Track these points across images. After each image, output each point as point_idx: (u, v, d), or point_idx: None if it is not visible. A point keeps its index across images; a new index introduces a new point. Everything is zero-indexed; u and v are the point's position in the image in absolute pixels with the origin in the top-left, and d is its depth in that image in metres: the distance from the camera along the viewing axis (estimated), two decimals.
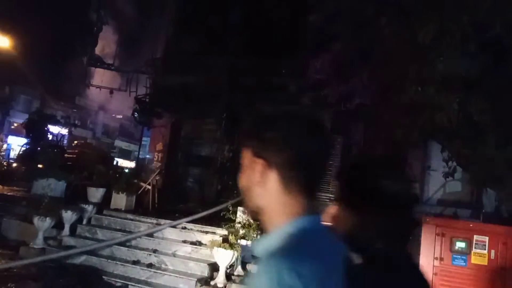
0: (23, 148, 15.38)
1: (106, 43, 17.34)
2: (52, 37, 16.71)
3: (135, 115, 14.03)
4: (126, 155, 29.92)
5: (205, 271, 7.50)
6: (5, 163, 17.53)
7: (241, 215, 8.13)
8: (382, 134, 7.48)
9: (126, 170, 20.00)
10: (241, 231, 7.84)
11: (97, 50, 16.69)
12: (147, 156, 26.08)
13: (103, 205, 9.45)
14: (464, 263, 6.03)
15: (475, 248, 6.01)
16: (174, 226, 8.52)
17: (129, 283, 7.32)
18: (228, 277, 7.37)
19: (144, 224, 8.68)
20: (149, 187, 10.31)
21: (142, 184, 10.42)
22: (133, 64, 17.04)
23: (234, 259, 7.33)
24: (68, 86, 22.67)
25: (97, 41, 16.42)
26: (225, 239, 7.78)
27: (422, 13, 6.92)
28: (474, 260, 6.00)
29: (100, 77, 21.12)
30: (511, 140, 6.80)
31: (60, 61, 17.06)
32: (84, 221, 8.92)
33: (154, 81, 14.42)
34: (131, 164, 24.38)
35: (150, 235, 8.31)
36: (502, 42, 6.48)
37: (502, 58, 6.55)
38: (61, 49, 16.91)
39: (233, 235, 7.62)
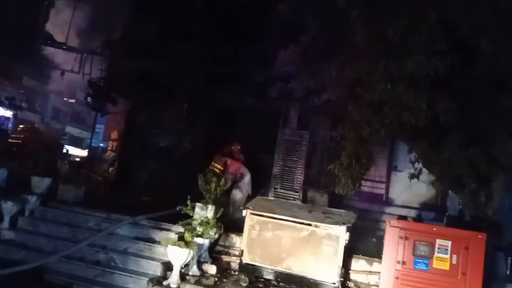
0: None
1: (58, 20, 16.27)
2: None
3: (88, 100, 13.22)
4: (77, 142, 28.59)
5: (157, 270, 7.07)
6: None
7: (198, 212, 7.72)
8: (349, 131, 7.25)
9: (77, 159, 19.11)
10: (198, 229, 7.45)
11: (48, 28, 15.59)
12: (101, 144, 25.03)
13: (49, 196, 8.73)
14: (426, 267, 5.94)
15: (437, 252, 5.92)
16: (133, 223, 7.98)
17: (74, 281, 6.77)
18: (183, 277, 6.97)
19: (93, 218, 8.11)
20: (100, 179, 9.69)
21: (92, 175, 9.78)
22: (87, 44, 16.09)
23: (189, 258, 6.93)
24: (15, 64, 21.25)
25: (48, 17, 15.33)
26: (181, 237, 7.37)
27: (392, 7, 6.74)
28: (436, 264, 5.91)
29: (51, 56, 19.93)
30: (475, 141, 6.76)
31: (6, 37, 15.86)
32: (27, 213, 8.23)
33: (110, 64, 13.65)
34: (83, 153, 23.27)
35: (99, 230, 7.72)
36: (469, 43, 6.40)
37: (470, 59, 6.47)
38: (8, 23, 15.69)
39: (189, 233, 7.21)
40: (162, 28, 13.05)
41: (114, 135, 17.33)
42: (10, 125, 21.22)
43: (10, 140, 14.98)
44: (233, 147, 10.72)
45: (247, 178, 10.31)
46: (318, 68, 8.32)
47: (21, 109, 20.98)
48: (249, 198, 9.59)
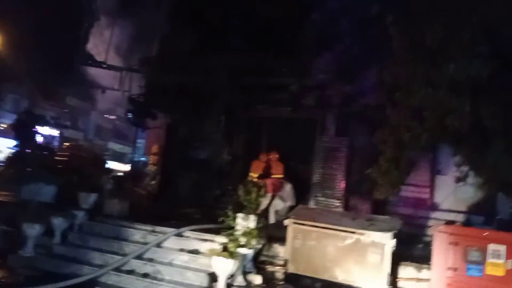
0: (12, 151, 14.87)
1: (98, 41, 16.87)
2: (41, 34, 16.21)
3: (129, 116, 13.59)
4: (119, 157, 29.38)
5: (203, 281, 7.12)
6: None
7: (241, 222, 7.76)
8: (389, 136, 7.15)
9: (120, 174, 19.60)
10: (241, 239, 7.48)
11: (88, 48, 16.18)
12: (142, 158, 25.62)
13: (95, 211, 9.00)
14: (479, 274, 5.72)
15: (490, 257, 5.70)
16: (178, 235, 8.11)
17: None
18: (228, 287, 6.99)
19: (138, 231, 8.28)
20: (144, 192, 9.90)
21: (136, 189, 10.01)
22: (127, 62, 16.58)
23: (234, 268, 6.96)
24: (58, 85, 22.14)
25: (88, 38, 15.92)
26: (225, 248, 7.41)
27: (428, 14, 6.65)
28: (490, 270, 5.70)
29: (92, 75, 20.62)
30: None
31: (50, 59, 16.57)
32: (76, 228, 8.49)
33: (149, 80, 13.99)
34: (126, 167, 23.88)
35: (145, 242, 7.89)
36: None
37: None
38: (50, 46, 16.42)
39: (233, 243, 7.25)
40: (197, 41, 13.31)
41: (155, 149, 17.68)
42: (56, 143, 22.03)
43: (56, 157, 15.54)
44: (270, 156, 10.74)
45: (288, 187, 10.31)
46: (355, 75, 8.28)
47: (66, 127, 21.76)
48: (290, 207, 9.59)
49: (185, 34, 13.65)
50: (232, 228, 7.73)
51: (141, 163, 24.56)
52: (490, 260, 5.64)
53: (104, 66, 16.39)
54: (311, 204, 10.89)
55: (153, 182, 13.36)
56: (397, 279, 7.38)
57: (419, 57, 6.44)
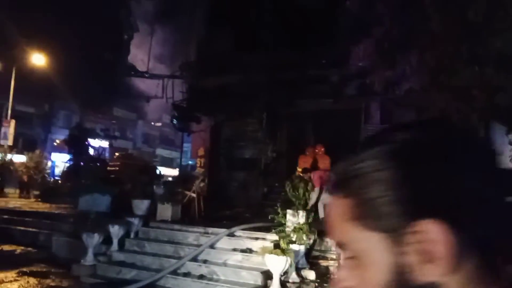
0: (67, 165, 15.56)
1: (139, 51, 17.36)
2: (84, 50, 16.90)
3: (174, 122, 13.88)
4: (168, 163, 30.11)
5: (258, 280, 7.16)
6: (51, 181, 17.86)
7: (290, 219, 7.75)
8: None
9: (170, 179, 20.07)
10: (292, 236, 7.47)
11: (130, 58, 16.70)
12: (190, 162, 26.12)
13: (149, 217, 9.27)
14: None
15: None
16: (230, 235, 8.22)
17: None
18: (283, 284, 7.00)
19: (191, 234, 8.45)
20: (194, 195, 10.09)
21: (186, 192, 10.21)
22: (167, 69, 16.97)
23: (287, 265, 6.94)
24: (105, 97, 23.00)
25: (129, 50, 16.42)
26: (276, 245, 7.42)
27: None
28: None
29: (136, 85, 21.25)
30: None
31: (94, 73, 17.25)
32: (132, 235, 8.78)
33: (190, 85, 14.24)
34: (175, 172, 24.45)
35: (198, 244, 8.04)
36: None
37: None
38: (94, 60, 17.09)
39: (284, 240, 7.25)
40: (233, 41, 13.40)
41: (201, 152, 17.97)
42: (107, 154, 22.83)
43: (108, 168, 16.10)
44: (316, 150, 10.64)
45: None
46: (396, 59, 8.06)
47: (115, 138, 22.55)
48: None
49: (221, 36, 13.78)
50: (282, 225, 7.75)
51: (188, 167, 25.10)
52: None
53: (147, 75, 16.84)
54: None
55: (202, 184, 13.58)
56: None
57: (461, 34, 6.16)
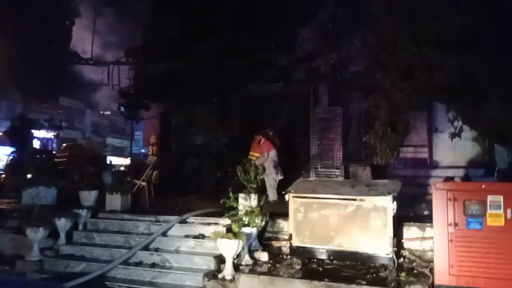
0: (10, 158, 14.85)
1: (81, 37, 16.70)
2: (24, 37, 16.05)
3: (121, 109, 13.55)
4: (120, 152, 29.44)
5: (211, 265, 7.18)
6: None
7: (242, 202, 7.78)
8: (382, 100, 7.10)
9: (122, 168, 19.64)
10: (244, 219, 7.51)
11: (73, 45, 16.04)
12: (142, 150, 25.63)
13: (98, 208, 9.04)
14: (480, 226, 5.72)
15: (490, 209, 5.70)
16: (182, 222, 8.13)
17: (133, 285, 6.99)
18: (236, 267, 7.03)
19: (142, 223, 8.32)
20: (144, 184, 9.92)
21: (136, 181, 10.02)
22: (113, 56, 16.45)
23: (239, 248, 6.97)
24: (50, 87, 22.02)
25: (71, 36, 15.75)
26: (229, 229, 7.45)
27: None
28: (490, 221, 5.69)
29: (81, 73, 20.49)
30: None
31: (36, 61, 16.45)
32: (80, 227, 8.54)
33: (137, 71, 13.90)
34: (127, 161, 23.93)
35: (150, 233, 7.93)
36: None
37: (501, 12, 6.15)
38: (35, 48, 16.27)
39: (236, 224, 7.28)
40: (181, 27, 13.18)
41: (153, 139, 17.68)
42: (54, 145, 21.99)
43: (55, 159, 15.53)
44: (266, 132, 10.69)
45: (271, 154, 10.22)
46: (340, 41, 8.18)
47: (60, 128, 21.70)
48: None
49: (169, 21, 13.52)
50: (234, 208, 7.77)
51: (141, 155, 24.64)
52: (490, 211, 5.64)
53: (91, 62, 16.26)
54: (312, 176, 10.93)
55: (155, 172, 13.39)
56: (402, 241, 7.45)
57: (401, 16, 6.31)
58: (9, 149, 15.48)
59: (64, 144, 18.81)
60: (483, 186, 5.85)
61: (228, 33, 12.25)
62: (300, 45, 9.51)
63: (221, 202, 7.80)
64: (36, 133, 17.33)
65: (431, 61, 6.11)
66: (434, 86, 6.49)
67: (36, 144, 17.03)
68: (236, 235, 6.98)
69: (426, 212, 7.85)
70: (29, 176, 11.38)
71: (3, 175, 14.92)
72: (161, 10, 13.61)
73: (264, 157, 10.15)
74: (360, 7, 7.26)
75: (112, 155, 26.27)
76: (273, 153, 10.23)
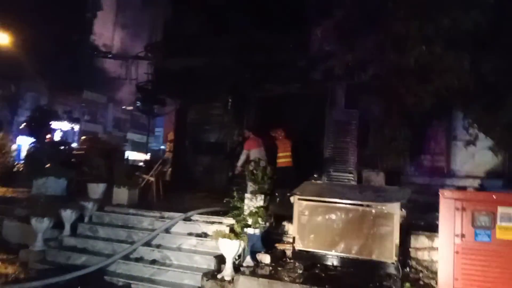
0: (30, 148, 15.10)
1: (102, 31, 16.83)
2: (50, 30, 16.27)
3: (138, 104, 13.60)
4: (139, 147, 29.58)
5: (211, 264, 7.06)
6: (16, 165, 17.32)
7: (248, 203, 7.65)
8: (393, 104, 6.84)
9: (141, 163, 19.75)
10: (248, 219, 7.37)
11: (94, 38, 16.18)
12: (162, 147, 25.71)
13: (105, 201, 9.04)
14: (489, 239, 5.42)
15: (500, 221, 5.38)
16: (186, 219, 8.05)
17: (132, 281, 6.93)
18: (237, 268, 6.89)
19: (146, 218, 8.26)
20: (152, 179, 9.88)
21: (144, 176, 10.00)
22: (133, 50, 16.52)
23: (240, 249, 6.84)
24: (74, 79, 22.34)
25: (93, 29, 15.90)
26: (232, 229, 7.32)
27: None
28: (500, 234, 5.38)
29: (105, 67, 20.67)
30: None
31: (61, 54, 16.67)
32: (86, 219, 8.53)
33: (155, 66, 13.92)
34: (146, 157, 24.09)
35: (153, 229, 7.87)
36: None
37: None
38: (60, 41, 16.49)
39: (239, 224, 7.15)
40: (200, 24, 13.13)
41: (171, 136, 17.71)
42: (76, 138, 22.36)
43: (74, 152, 15.73)
44: (276, 134, 10.52)
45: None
46: (357, 42, 7.96)
47: (84, 121, 22.02)
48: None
49: (188, 17, 13.49)
50: (239, 208, 7.64)
51: (160, 152, 24.76)
52: (500, 223, 5.33)
53: (110, 56, 16.39)
54: (324, 180, 10.69)
55: (166, 168, 13.38)
56: (409, 250, 7.17)
57: (412, 11, 6.03)
58: (30, 140, 15.75)
59: (83, 137, 19.05)
60: (494, 196, 5.55)
61: (247, 31, 12.13)
62: (316, 45, 9.28)
63: (224, 201, 7.69)
64: (58, 124, 17.60)
65: (443, 63, 5.82)
66: (447, 90, 6.20)
67: (58, 135, 17.30)
68: (237, 236, 6.85)
69: (437, 222, 7.53)
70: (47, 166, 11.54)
71: (22, 165, 15.20)
72: (181, 5, 13.59)
73: (244, 154, 9.97)
74: (376, 5, 7.01)
75: (132, 150, 26.47)
76: (255, 153, 9.98)
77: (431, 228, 7.29)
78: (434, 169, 10.45)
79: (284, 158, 10.41)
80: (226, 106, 12.86)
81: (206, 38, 12.74)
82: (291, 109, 12.37)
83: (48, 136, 15.17)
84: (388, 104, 6.95)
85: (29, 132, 15.08)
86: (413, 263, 7.03)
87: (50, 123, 15.65)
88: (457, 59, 5.70)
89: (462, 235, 5.48)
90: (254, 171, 8.08)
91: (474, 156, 9.44)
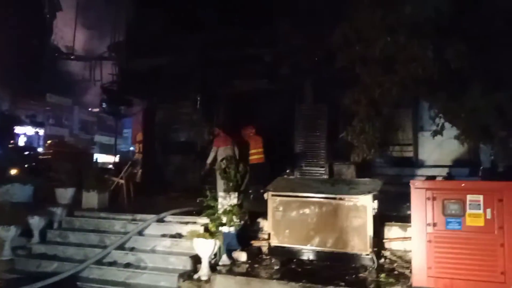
0: None
1: (63, 32, 16.37)
2: (6, 33, 15.70)
3: (103, 106, 13.31)
4: (108, 149, 29.02)
5: (187, 265, 6.98)
6: None
7: (221, 201, 7.58)
8: (360, 96, 6.91)
9: (110, 166, 19.37)
10: (223, 218, 7.31)
11: (54, 40, 15.72)
12: (131, 148, 25.29)
13: (75, 206, 8.81)
14: (459, 226, 5.53)
15: (469, 209, 5.51)
16: (159, 220, 7.92)
17: (106, 286, 6.78)
18: (213, 268, 6.83)
19: (118, 222, 8.10)
20: (122, 181, 9.69)
21: (114, 178, 9.80)
22: (96, 51, 16.14)
23: (216, 248, 6.80)
24: (34, 83, 21.67)
25: (52, 30, 15.45)
26: (207, 229, 7.25)
27: None
28: (469, 222, 5.49)
29: (68, 69, 20.14)
30: (499, 85, 6.27)
31: (20, 57, 16.12)
32: (55, 225, 8.30)
33: (120, 67, 13.66)
34: (114, 159, 23.64)
35: (126, 232, 7.72)
36: None
37: None
38: (19, 44, 15.95)
39: (213, 223, 7.08)
40: (165, 22, 12.94)
41: (139, 137, 17.42)
42: (41, 143, 21.73)
43: (39, 156, 15.29)
44: (247, 131, 10.50)
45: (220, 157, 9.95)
46: (321, 35, 7.98)
47: (49, 125, 21.42)
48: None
49: (152, 15, 13.27)
50: (212, 207, 7.57)
51: (129, 153, 24.34)
52: (469, 211, 5.46)
53: (73, 57, 15.99)
54: (296, 175, 10.74)
55: (136, 170, 13.17)
56: (383, 241, 7.28)
57: (376, 1, 6.08)
58: None
59: (48, 141, 18.54)
60: (463, 185, 5.68)
61: (213, 27, 12.04)
62: (283, 40, 9.29)
63: (197, 201, 7.61)
64: (22, 129, 17.07)
65: (407, 52, 5.90)
66: (414, 81, 6.30)
67: (22, 141, 16.78)
68: (212, 235, 6.80)
69: (409, 212, 7.68)
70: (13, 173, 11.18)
71: None
72: (144, 3, 13.36)
73: (213, 152, 9.96)
74: None
75: (100, 152, 25.93)
76: (224, 151, 9.98)
77: (404, 219, 7.44)
78: (403, 159, 10.68)
79: (256, 154, 10.39)
80: (195, 104, 12.75)
81: (171, 36, 12.57)
82: (260, 106, 12.36)
83: (12, 141, 14.66)
84: (356, 97, 6.99)
85: None
86: (388, 253, 7.14)
87: (13, 128, 15.15)
88: (421, 48, 5.77)
89: (434, 224, 5.57)
90: (227, 169, 8.02)
91: (441, 146, 9.67)
